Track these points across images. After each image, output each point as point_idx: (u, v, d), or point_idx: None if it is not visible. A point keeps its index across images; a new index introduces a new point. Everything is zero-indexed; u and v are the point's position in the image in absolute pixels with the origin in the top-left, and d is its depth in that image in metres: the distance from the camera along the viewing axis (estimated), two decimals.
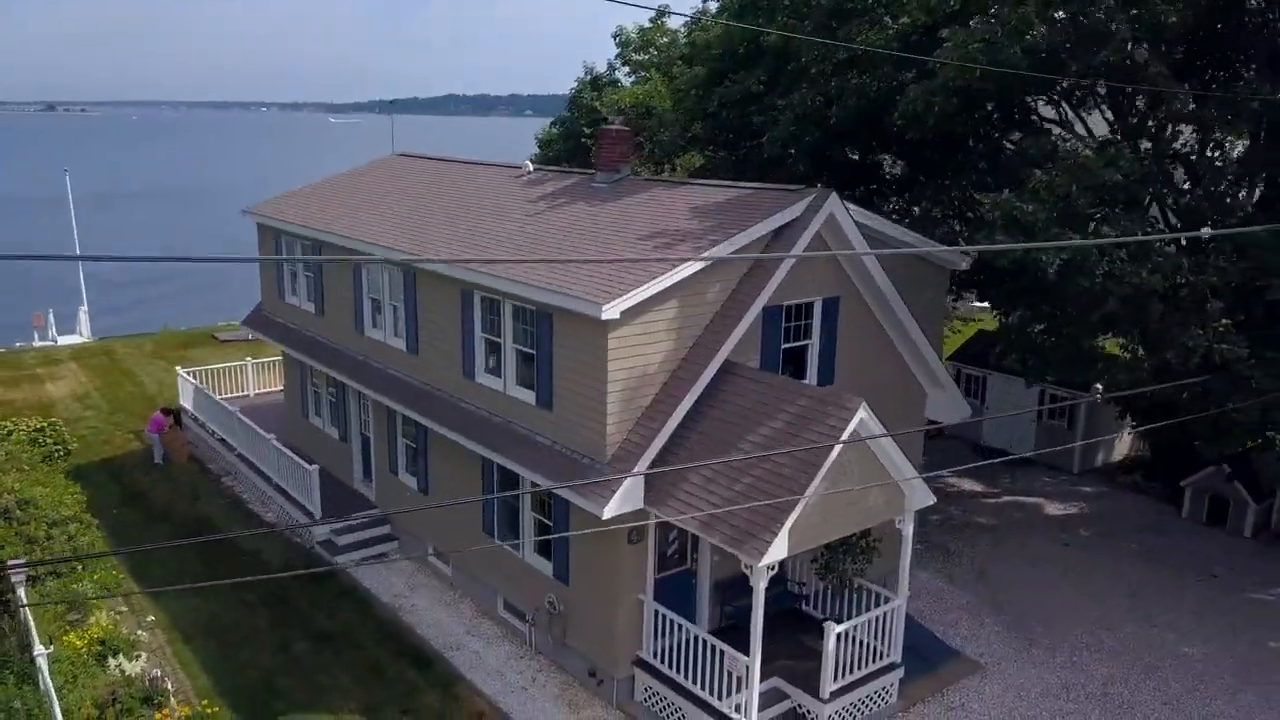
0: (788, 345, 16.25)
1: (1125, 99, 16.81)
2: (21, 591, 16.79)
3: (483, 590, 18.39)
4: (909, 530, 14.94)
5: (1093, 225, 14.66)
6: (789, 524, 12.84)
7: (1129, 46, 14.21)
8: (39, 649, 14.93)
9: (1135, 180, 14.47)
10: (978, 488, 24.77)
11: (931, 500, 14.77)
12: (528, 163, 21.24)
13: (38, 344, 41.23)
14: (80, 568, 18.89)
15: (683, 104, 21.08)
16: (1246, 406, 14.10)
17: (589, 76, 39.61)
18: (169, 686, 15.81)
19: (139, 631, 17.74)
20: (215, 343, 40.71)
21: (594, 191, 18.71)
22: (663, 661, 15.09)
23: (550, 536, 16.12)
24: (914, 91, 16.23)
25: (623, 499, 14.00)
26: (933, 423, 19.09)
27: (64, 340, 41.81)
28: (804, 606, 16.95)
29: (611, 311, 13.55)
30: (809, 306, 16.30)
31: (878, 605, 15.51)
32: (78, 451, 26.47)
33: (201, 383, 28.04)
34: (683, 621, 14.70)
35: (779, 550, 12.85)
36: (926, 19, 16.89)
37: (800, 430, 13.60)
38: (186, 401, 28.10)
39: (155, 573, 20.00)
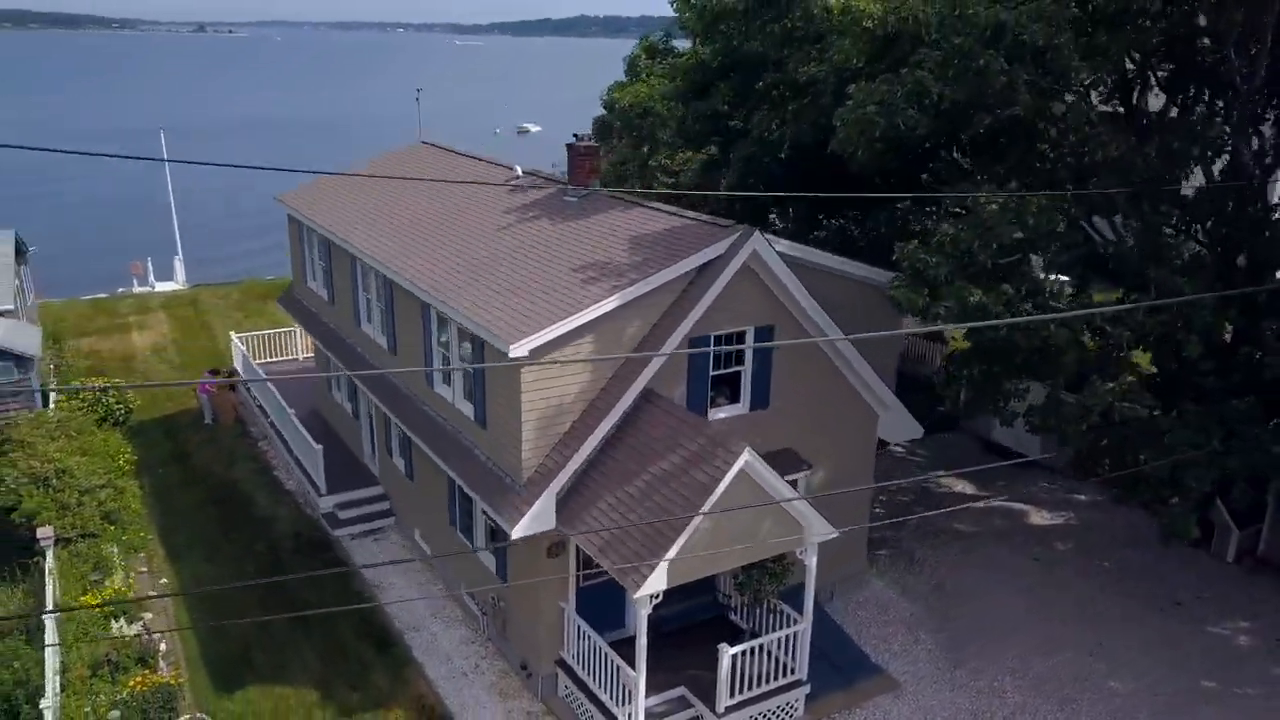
0: (718, 372, 16.91)
1: (1039, 150, 16.49)
2: (50, 555, 19.23)
3: (452, 574, 19.98)
4: (811, 561, 15.65)
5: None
6: (668, 558, 13.76)
7: (1032, 100, 14.01)
8: (49, 616, 17.25)
9: (1045, 234, 14.33)
10: (970, 489, 24.90)
11: (832, 534, 15.37)
12: (517, 168, 22.11)
13: (137, 290, 44.82)
14: (110, 527, 21.29)
15: (672, 111, 21.51)
16: (1158, 463, 14.09)
17: (643, 48, 39.89)
18: (161, 648, 18.04)
19: (151, 592, 20.08)
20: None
21: (562, 207, 19.51)
22: (580, 665, 16.35)
23: (487, 547, 17.48)
24: (840, 130, 16.32)
25: (533, 520, 15.16)
26: (883, 443, 19.48)
27: (161, 287, 45.32)
28: (731, 616, 17.89)
29: (520, 350, 14.56)
30: (740, 335, 16.87)
31: (788, 625, 16.33)
32: (141, 408, 29.17)
33: (254, 347, 30.39)
34: (590, 631, 15.88)
35: (657, 583, 13.82)
36: (857, 61, 16.88)
37: (691, 468, 14.42)
38: (238, 364, 30.47)
39: (179, 535, 22.39)
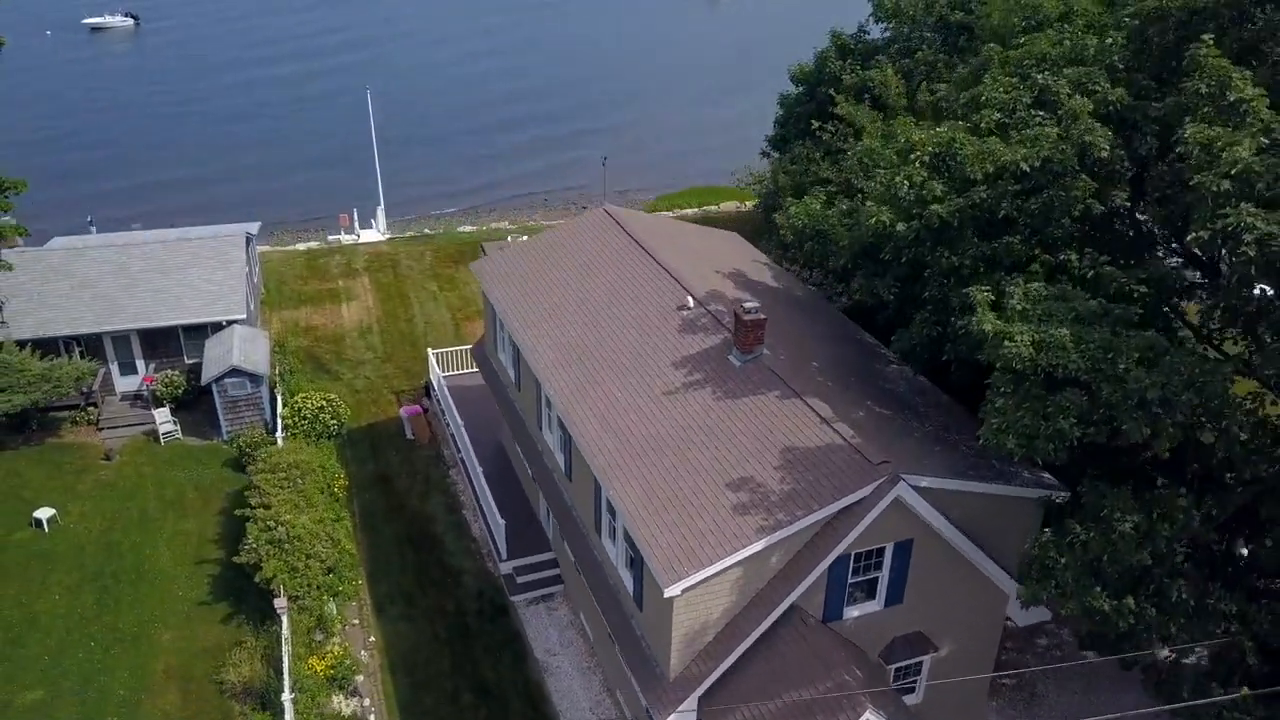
0: (856, 580, 18.43)
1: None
2: (285, 622, 23.27)
3: (611, 666, 22.85)
4: None
5: None
6: None
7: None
8: (286, 694, 21.28)
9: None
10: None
11: None
12: (689, 298, 23.23)
13: (345, 239, 48.71)
14: (327, 576, 25.18)
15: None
16: None
17: (835, 44, 39.01)
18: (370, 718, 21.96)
19: (362, 652, 24.02)
20: (481, 258, 46.26)
21: (725, 371, 20.84)
22: None
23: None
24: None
25: (678, 717, 17.57)
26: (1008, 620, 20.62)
27: (365, 236, 48.99)
28: None
29: (674, 591, 16.59)
30: (880, 549, 18.24)
31: None
32: (349, 415, 32.94)
33: (446, 366, 33.38)
34: None
35: None
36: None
37: (817, 713, 16.32)
38: (434, 372, 33.62)
39: (382, 584, 26.20)
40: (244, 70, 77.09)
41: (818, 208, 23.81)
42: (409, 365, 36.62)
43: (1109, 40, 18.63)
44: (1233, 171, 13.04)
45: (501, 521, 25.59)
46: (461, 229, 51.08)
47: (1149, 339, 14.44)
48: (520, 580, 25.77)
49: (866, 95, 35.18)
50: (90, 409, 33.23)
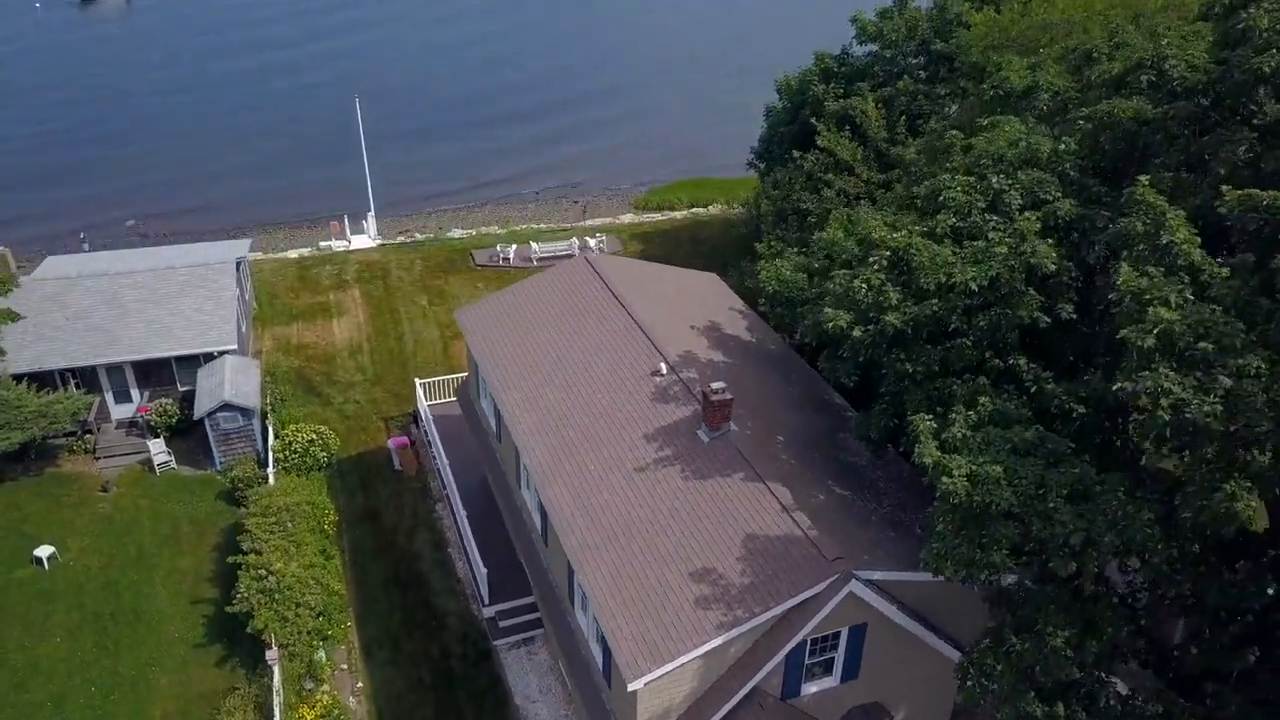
0: (813, 660, 19.46)
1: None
2: (276, 672, 24.40)
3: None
4: None
5: None
6: None
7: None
8: None
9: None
10: None
11: None
12: (663, 365, 23.98)
13: (337, 246, 49.21)
14: (318, 620, 26.27)
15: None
16: None
17: (819, 68, 39.28)
18: None
19: (350, 699, 25.19)
20: (470, 268, 46.88)
21: (694, 448, 21.67)
22: None
23: None
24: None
25: None
26: None
27: (356, 242, 49.49)
28: None
29: (637, 685, 17.61)
30: (836, 633, 19.25)
31: None
32: (340, 443, 33.77)
33: (433, 394, 34.17)
34: None
35: None
36: None
37: None
38: (421, 405, 34.43)
39: (370, 627, 27.30)
40: (235, 56, 76.53)
41: (788, 274, 24.47)
42: (398, 389, 37.41)
43: (1062, 146, 19.22)
44: (1155, 331, 13.76)
45: (484, 570, 26.60)
46: (452, 232, 51.52)
47: (1078, 475, 15.26)
48: (502, 625, 26.84)
49: (848, 125, 35.57)
50: (87, 436, 34.12)
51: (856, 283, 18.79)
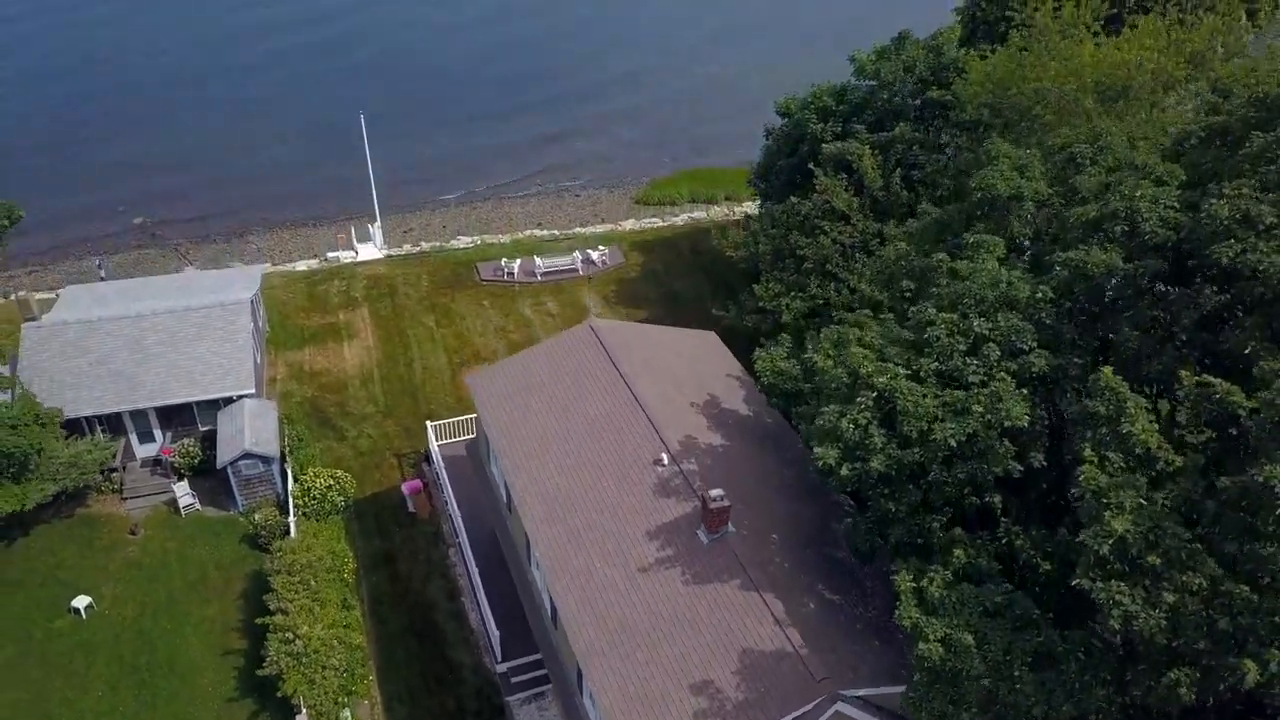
0: None
1: None
2: None
3: None
4: None
5: None
6: None
7: None
8: None
9: None
10: None
11: None
12: (663, 456, 25.41)
13: (343, 257, 50.21)
14: (342, 677, 28.18)
15: None
16: None
17: (815, 107, 39.85)
18: None
19: None
20: (476, 283, 47.94)
21: (694, 549, 23.25)
22: None
23: None
24: None
25: None
26: None
27: (363, 252, 50.46)
28: None
29: None
30: None
31: None
32: (356, 483, 35.37)
33: (443, 433, 35.61)
34: None
35: None
36: None
37: None
38: (433, 445, 35.91)
39: (391, 681, 29.25)
40: (239, 44, 75.86)
41: (782, 363, 25.76)
42: (408, 423, 38.84)
43: (1039, 295, 20.35)
44: (1110, 541, 15.17)
45: (498, 632, 28.40)
46: (456, 241, 52.45)
47: (1042, 642, 16.82)
48: (514, 680, 28.74)
49: (844, 173, 36.37)
50: (114, 476, 35.73)
51: (844, 422, 20.12)
